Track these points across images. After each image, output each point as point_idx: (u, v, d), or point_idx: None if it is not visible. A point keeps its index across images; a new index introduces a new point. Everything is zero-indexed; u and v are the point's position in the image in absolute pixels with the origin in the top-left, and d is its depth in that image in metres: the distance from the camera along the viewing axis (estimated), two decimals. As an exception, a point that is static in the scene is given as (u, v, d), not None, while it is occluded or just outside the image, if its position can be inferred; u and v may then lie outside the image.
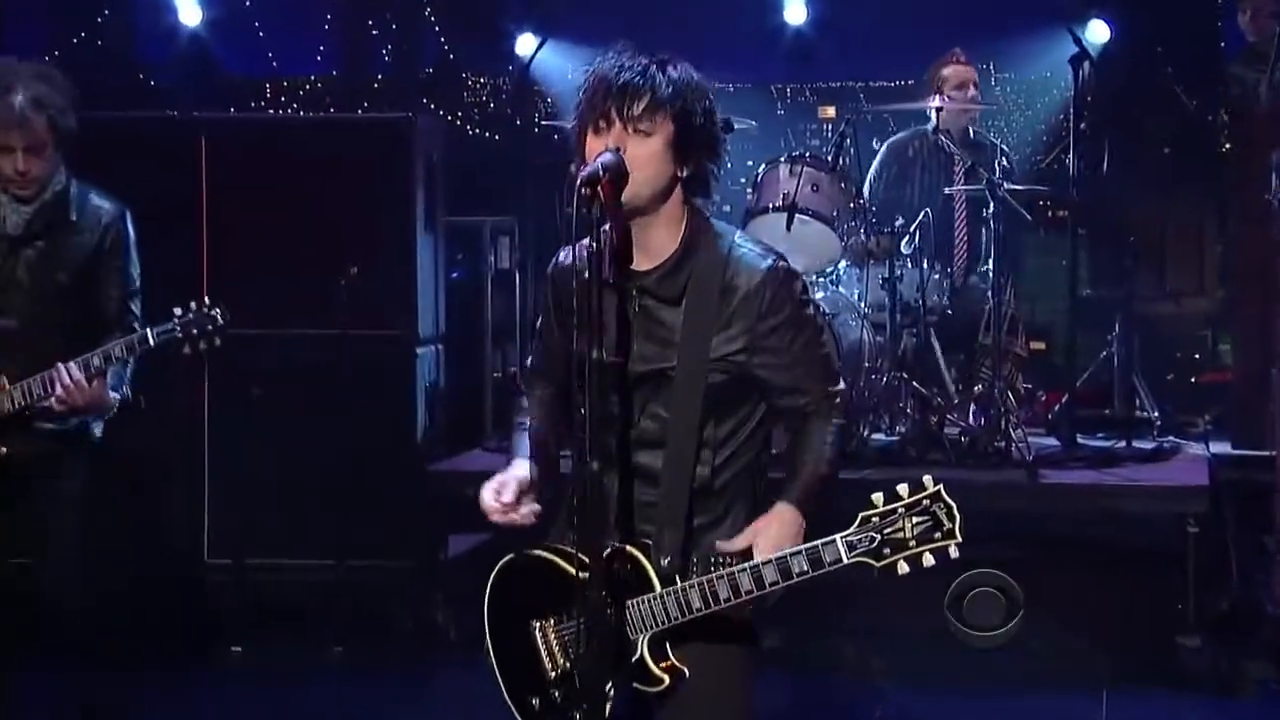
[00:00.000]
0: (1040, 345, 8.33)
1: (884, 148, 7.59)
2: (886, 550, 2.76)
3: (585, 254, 2.84)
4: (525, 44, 8.82)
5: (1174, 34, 9.47)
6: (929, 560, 2.76)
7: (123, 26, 9.86)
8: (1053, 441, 7.12)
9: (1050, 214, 9.00)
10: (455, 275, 7.84)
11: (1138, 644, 6.10)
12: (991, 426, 6.71)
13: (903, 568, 2.77)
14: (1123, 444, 7.11)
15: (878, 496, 2.79)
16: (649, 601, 2.93)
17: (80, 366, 4.46)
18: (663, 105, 2.91)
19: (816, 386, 3.03)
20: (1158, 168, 8.97)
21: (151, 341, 4.50)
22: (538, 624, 3.09)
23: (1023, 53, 9.70)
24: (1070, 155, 7.06)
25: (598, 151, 2.91)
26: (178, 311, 4.53)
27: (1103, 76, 8.37)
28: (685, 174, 2.97)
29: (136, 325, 4.65)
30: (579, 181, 2.82)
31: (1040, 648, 6.11)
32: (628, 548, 2.98)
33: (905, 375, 6.93)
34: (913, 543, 2.76)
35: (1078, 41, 7.09)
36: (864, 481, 6.39)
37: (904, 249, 6.91)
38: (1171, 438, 7.43)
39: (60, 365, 4.45)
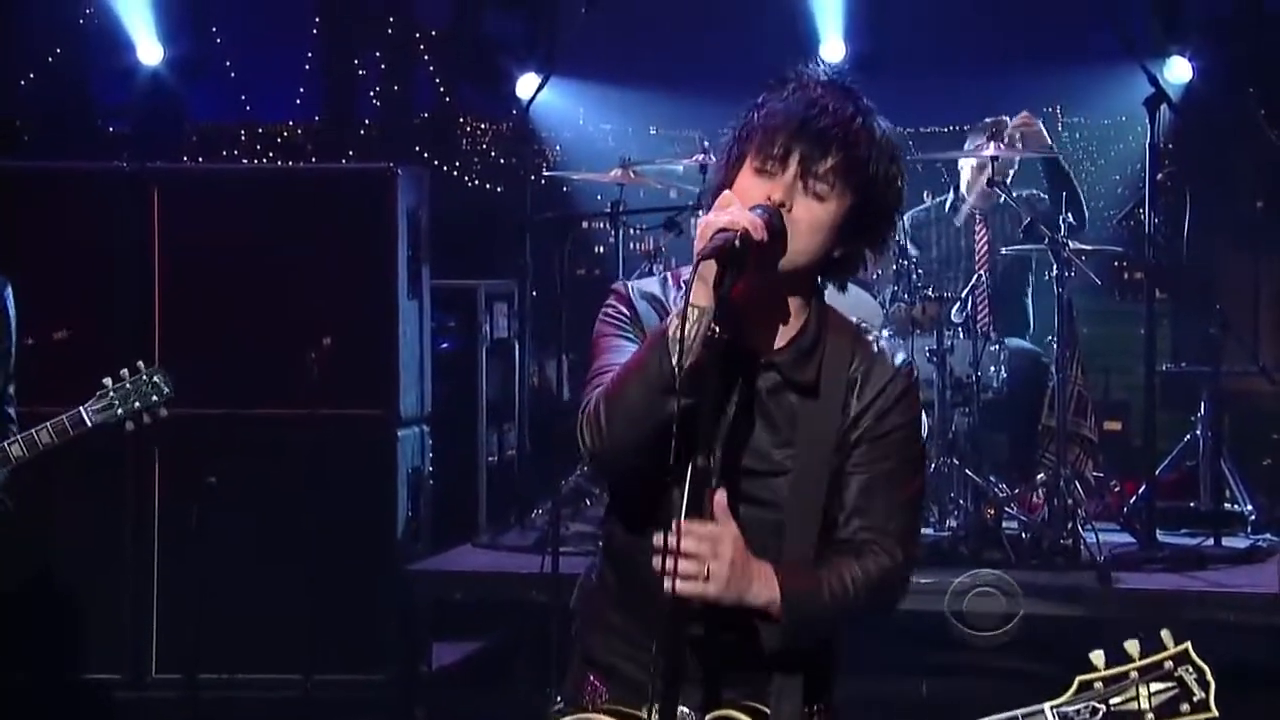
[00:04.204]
0: (1115, 426, 8.20)
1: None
2: None
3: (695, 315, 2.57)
4: (527, 85, 8.78)
5: (1265, 71, 9.38)
6: None
7: (77, 66, 9.91)
8: (1128, 539, 6.97)
9: (1126, 277, 8.90)
10: (444, 346, 7.75)
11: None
12: (1057, 521, 6.58)
13: None
14: (1210, 542, 6.95)
15: (1098, 656, 2.51)
16: None
17: None
18: (853, 170, 2.68)
19: (882, 539, 2.73)
20: (1248, 224, 8.86)
21: (88, 422, 4.29)
22: None
23: (1094, 94, 9.65)
24: (1146, 210, 6.95)
25: (751, 197, 2.66)
26: (108, 382, 4.30)
27: (1184, 120, 8.28)
28: (839, 254, 2.76)
29: (11, 421, 4.43)
30: (732, 239, 2.56)
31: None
32: (735, 715, 2.73)
33: (957, 461, 6.81)
34: (1150, 716, 2.47)
35: (1154, 81, 6.99)
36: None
37: (954, 317, 6.82)
38: (1268, 535, 7.24)
39: None
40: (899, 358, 2.83)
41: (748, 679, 2.75)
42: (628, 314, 2.83)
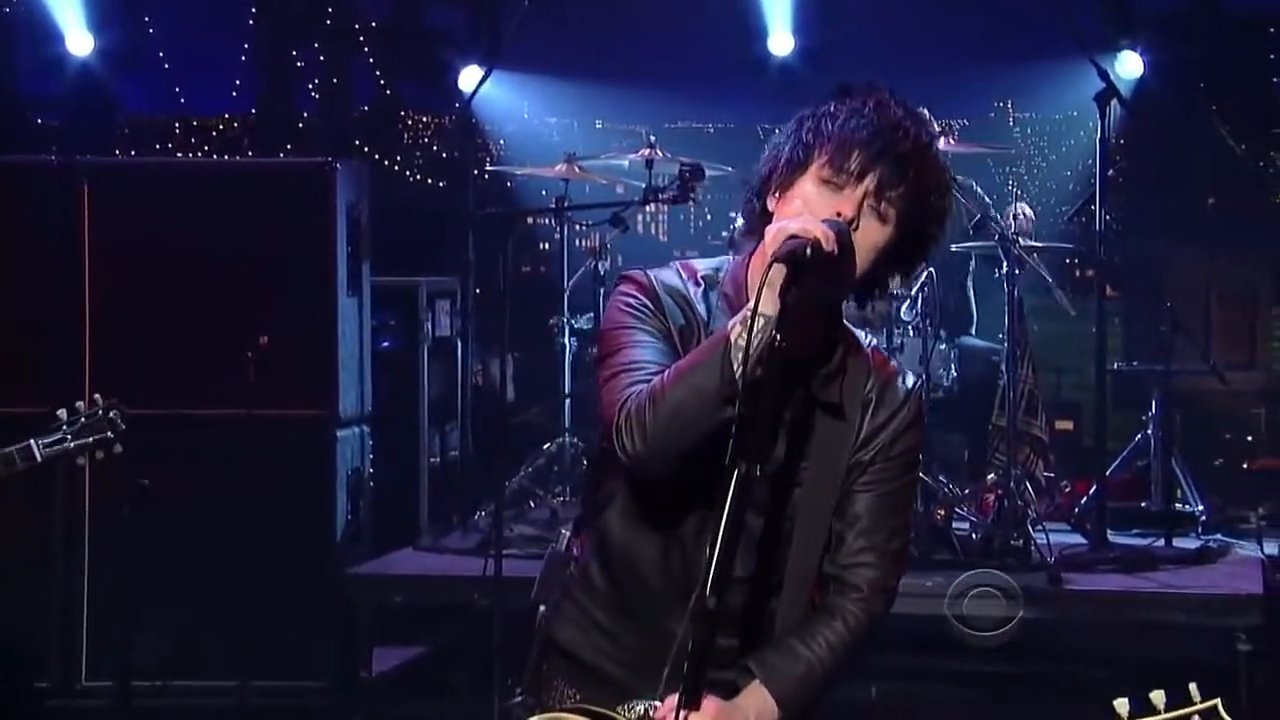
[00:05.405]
0: (1066, 425, 8.26)
1: None
2: None
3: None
4: (470, 78, 8.78)
5: (1218, 67, 9.46)
6: None
7: (3, 56, 9.83)
8: (1079, 539, 7.01)
9: (1077, 274, 8.95)
10: (385, 345, 7.73)
11: (1181, 783, 5.95)
12: (1007, 521, 6.61)
13: None
14: (1161, 543, 7.01)
15: (1123, 704, 2.44)
16: None
17: None
18: (919, 198, 2.69)
19: (881, 560, 2.81)
20: (1199, 221, 8.94)
21: (38, 456, 4.29)
22: None
23: (1045, 89, 9.71)
24: (1097, 206, 6.99)
25: (816, 207, 2.65)
26: (63, 414, 4.31)
27: (1135, 116, 8.35)
28: (874, 275, 2.75)
29: None
30: (804, 246, 2.53)
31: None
32: None
33: (907, 462, 6.83)
34: None
35: (1104, 76, 7.04)
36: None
37: (904, 315, 6.84)
38: (1219, 536, 7.33)
39: None
40: (909, 380, 2.87)
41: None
42: (650, 305, 2.79)
